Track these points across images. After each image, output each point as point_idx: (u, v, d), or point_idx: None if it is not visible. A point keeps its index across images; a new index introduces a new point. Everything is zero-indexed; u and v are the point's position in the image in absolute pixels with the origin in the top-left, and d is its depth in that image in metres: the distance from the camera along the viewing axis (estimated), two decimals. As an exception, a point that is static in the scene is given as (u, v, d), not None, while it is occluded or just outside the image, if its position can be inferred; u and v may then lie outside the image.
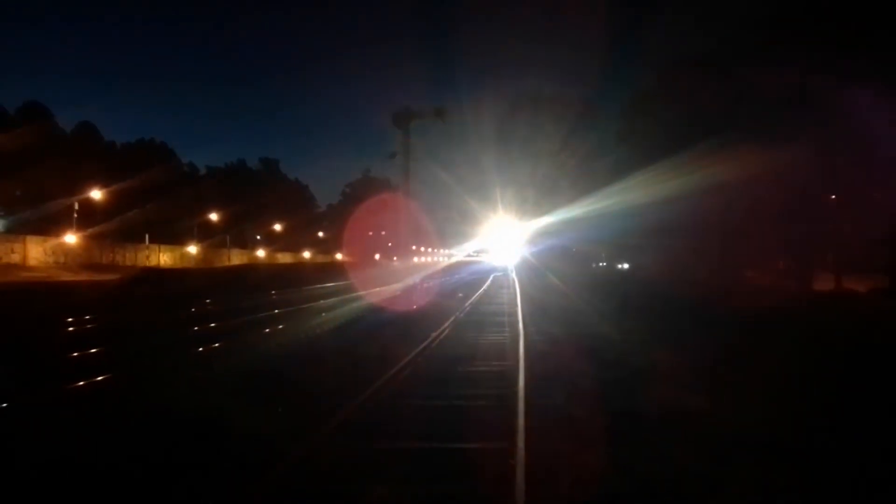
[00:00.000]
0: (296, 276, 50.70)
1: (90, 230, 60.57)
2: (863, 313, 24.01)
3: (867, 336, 17.29)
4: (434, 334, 16.95)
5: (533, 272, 61.90)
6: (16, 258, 52.17)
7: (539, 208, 57.19)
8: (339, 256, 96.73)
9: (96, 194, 59.77)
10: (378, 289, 38.59)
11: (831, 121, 28.32)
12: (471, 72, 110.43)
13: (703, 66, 35.95)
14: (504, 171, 62.14)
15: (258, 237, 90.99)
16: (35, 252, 54.38)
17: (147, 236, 67.55)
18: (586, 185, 44.53)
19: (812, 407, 9.44)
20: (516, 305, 26.36)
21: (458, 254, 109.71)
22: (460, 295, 35.15)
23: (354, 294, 34.55)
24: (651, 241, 40.88)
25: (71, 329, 19.47)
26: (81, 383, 10.92)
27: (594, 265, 61.48)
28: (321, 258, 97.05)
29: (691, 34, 37.20)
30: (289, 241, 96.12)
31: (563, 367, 12.50)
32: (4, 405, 9.42)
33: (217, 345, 15.80)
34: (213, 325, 20.56)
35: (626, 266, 60.35)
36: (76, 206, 57.82)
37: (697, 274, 41.68)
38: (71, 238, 57.06)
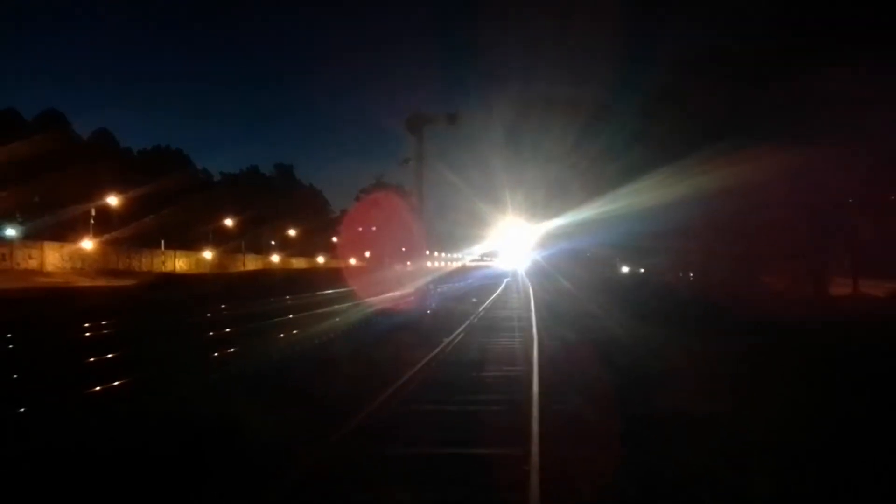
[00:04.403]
0: (310, 280, 50.84)
1: (107, 236, 61.07)
2: (883, 318, 23.76)
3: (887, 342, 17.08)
4: (447, 339, 16.95)
5: (545, 277, 61.67)
6: (33, 264, 52.65)
7: (550, 211, 56.81)
8: (352, 261, 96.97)
9: (113, 200, 60.23)
10: (391, 293, 38.62)
11: (849, 122, 28.04)
12: (482, 74, 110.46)
13: (719, 67, 35.74)
14: (514, 173, 61.74)
15: (273, 242, 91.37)
16: (52, 258, 54.86)
17: (163, 242, 68.01)
18: (599, 187, 44.27)
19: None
20: (530, 311, 26.31)
21: (466, 258, 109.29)
22: (474, 300, 35.15)
23: (367, 299, 34.59)
24: (666, 245, 40.65)
25: (88, 335, 19.63)
26: (98, 388, 11.01)
27: (609, 270, 61.02)
28: (335, 263, 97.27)
29: (706, 34, 37.04)
30: (303, 246, 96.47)
31: (576, 373, 12.45)
32: (21, 410, 9.53)
33: (232, 349, 15.88)
34: (228, 329, 20.66)
35: (641, 270, 59.97)
36: (93, 213, 58.32)
37: (714, 278, 41.37)
38: (88, 244, 57.53)
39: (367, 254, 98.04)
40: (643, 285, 44.47)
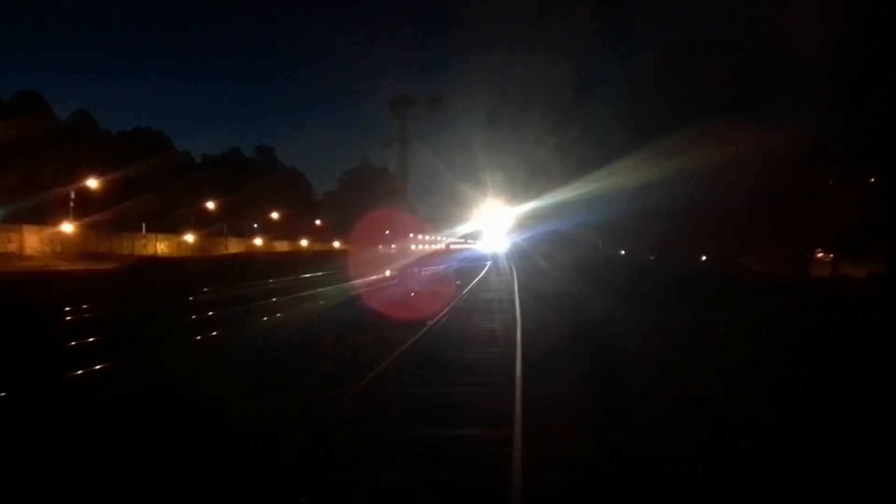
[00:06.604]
0: (293, 263, 50.67)
1: (87, 219, 60.32)
2: (860, 298, 24.14)
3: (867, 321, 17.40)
4: (432, 322, 17.00)
5: (526, 259, 61.80)
6: (12, 247, 52.04)
7: (531, 193, 56.83)
8: (336, 244, 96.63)
9: (92, 183, 59.49)
10: (374, 276, 38.63)
11: (828, 104, 28.27)
12: (465, 57, 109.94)
13: (698, 48, 35.86)
14: (496, 155, 61.78)
15: (255, 225, 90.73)
16: (32, 241, 54.25)
17: (144, 225, 67.35)
18: (580, 168, 44.40)
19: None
20: (512, 293, 26.43)
21: (448, 239, 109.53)
22: (458, 282, 35.22)
23: (351, 281, 34.56)
24: (646, 225, 40.91)
25: (69, 318, 19.46)
26: (80, 372, 10.95)
27: (592, 251, 61.12)
28: (319, 246, 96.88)
29: (685, 16, 37.35)
30: (286, 230, 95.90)
31: (558, 352, 12.56)
32: (3, 394, 9.47)
33: (215, 332, 15.84)
34: (210, 313, 20.59)
35: (622, 252, 60.16)
36: (72, 196, 57.60)
37: (695, 260, 41.65)
38: (67, 227, 56.89)
39: (351, 237, 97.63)
40: (624, 269, 44.75)
